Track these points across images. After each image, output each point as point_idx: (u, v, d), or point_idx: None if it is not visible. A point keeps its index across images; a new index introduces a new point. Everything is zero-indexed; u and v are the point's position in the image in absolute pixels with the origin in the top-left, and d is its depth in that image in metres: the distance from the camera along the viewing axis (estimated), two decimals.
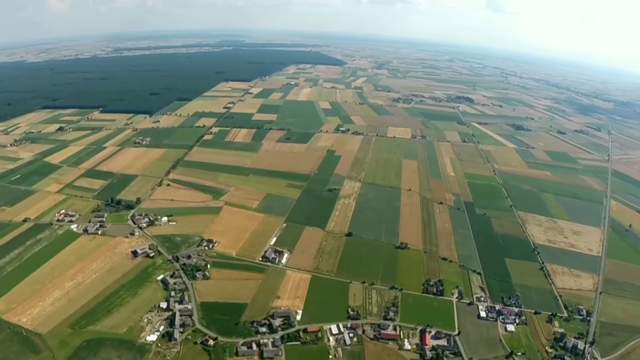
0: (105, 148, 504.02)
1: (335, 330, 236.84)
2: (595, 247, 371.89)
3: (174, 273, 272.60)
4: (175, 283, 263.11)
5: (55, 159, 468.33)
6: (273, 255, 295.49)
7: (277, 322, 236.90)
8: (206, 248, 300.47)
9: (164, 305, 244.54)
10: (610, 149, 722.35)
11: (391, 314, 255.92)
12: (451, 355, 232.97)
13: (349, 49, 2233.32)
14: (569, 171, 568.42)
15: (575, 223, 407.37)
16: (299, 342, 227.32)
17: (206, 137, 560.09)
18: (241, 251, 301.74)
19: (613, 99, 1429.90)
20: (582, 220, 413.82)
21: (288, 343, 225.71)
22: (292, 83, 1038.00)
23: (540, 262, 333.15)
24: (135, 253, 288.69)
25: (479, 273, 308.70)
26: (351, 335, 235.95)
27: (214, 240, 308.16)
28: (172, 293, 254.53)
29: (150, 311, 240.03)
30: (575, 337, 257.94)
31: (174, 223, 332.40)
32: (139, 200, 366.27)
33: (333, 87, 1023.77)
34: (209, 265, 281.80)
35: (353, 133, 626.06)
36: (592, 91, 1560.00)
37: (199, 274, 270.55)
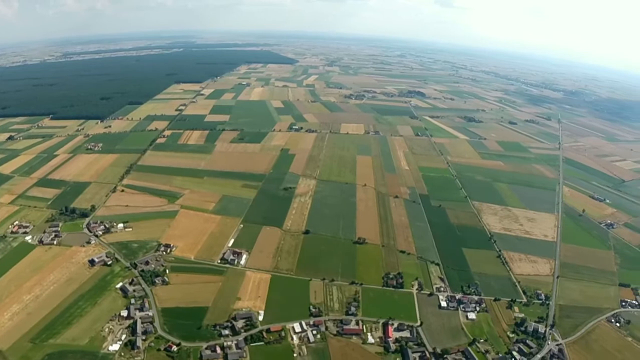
0: (57, 156, 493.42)
1: (298, 329, 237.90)
2: (550, 232, 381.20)
3: (132, 280, 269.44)
4: (134, 290, 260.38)
5: (6, 169, 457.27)
6: (232, 257, 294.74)
7: (239, 323, 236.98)
8: (164, 253, 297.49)
9: (124, 313, 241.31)
10: (560, 137, 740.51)
11: (353, 309, 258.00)
12: (415, 346, 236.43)
13: (300, 47, 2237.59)
14: (521, 160, 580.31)
15: (529, 210, 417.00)
16: (262, 343, 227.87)
17: (159, 140, 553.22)
18: (199, 254, 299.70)
19: (562, 88, 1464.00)
20: (536, 208, 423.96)
21: (252, 344, 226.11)
22: (244, 83, 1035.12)
23: (497, 250, 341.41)
24: (92, 262, 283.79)
25: (437, 264, 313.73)
26: (314, 332, 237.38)
27: (172, 245, 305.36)
28: (132, 300, 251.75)
29: (111, 320, 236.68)
30: (535, 321, 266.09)
31: (130, 229, 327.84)
32: (93, 208, 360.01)
33: (285, 86, 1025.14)
34: (167, 270, 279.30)
35: (306, 131, 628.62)
36: (542, 82, 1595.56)
37: (158, 280, 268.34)
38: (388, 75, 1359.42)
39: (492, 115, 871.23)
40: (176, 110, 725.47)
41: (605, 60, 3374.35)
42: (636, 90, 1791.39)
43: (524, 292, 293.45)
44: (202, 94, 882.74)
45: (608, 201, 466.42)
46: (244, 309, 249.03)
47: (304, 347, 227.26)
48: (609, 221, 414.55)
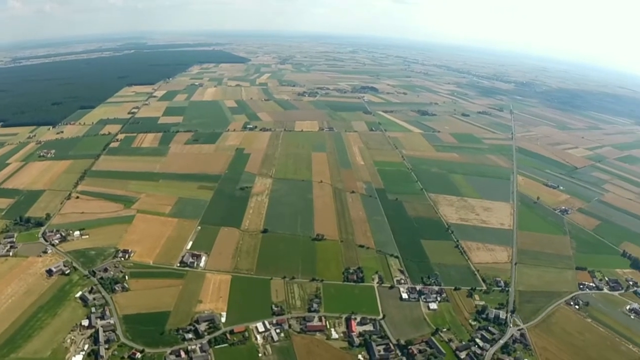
0: (8, 164, 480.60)
1: (261, 328, 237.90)
2: (506, 221, 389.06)
3: (92, 288, 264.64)
4: (94, 299, 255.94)
5: None
6: (191, 260, 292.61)
7: (202, 326, 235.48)
8: (122, 259, 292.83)
9: (85, 323, 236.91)
10: (513, 127, 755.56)
11: (315, 305, 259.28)
12: (379, 339, 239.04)
13: (252, 46, 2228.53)
14: (475, 151, 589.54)
15: (485, 200, 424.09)
16: (227, 344, 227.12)
17: (112, 144, 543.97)
18: (158, 258, 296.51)
19: (513, 80, 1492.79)
20: (491, 197, 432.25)
21: (216, 346, 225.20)
22: (197, 83, 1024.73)
23: (455, 240, 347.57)
24: (50, 272, 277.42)
25: (396, 257, 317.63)
26: (278, 331, 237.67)
27: (130, 250, 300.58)
28: (93, 309, 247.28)
29: (72, 331, 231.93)
30: (496, 308, 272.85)
31: (87, 236, 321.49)
32: (48, 216, 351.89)
33: (238, 85, 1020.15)
34: (127, 277, 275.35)
35: (261, 130, 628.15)
36: (493, 74, 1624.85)
37: (117, 287, 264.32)
38: (341, 72, 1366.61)
39: (445, 108, 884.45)
40: (129, 113, 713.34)
41: (553, 51, 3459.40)
42: (585, 80, 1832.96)
43: (484, 280, 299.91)
44: (154, 96, 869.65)
45: (562, 188, 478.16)
46: (206, 312, 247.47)
47: (268, 347, 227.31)
48: (564, 207, 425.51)
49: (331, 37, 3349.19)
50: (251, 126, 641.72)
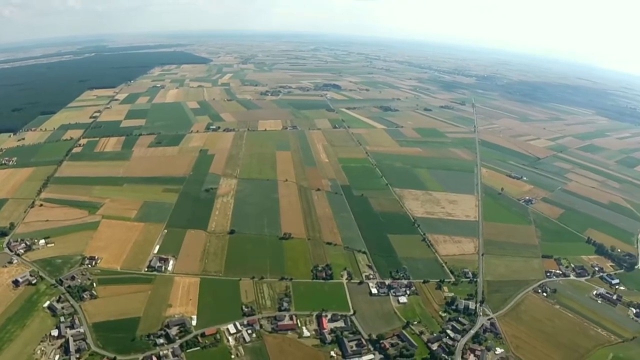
0: None
1: (232, 330, 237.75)
2: (471, 213, 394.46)
3: (60, 297, 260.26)
4: (63, 308, 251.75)
5: None
6: (159, 264, 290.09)
7: (173, 331, 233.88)
8: (89, 266, 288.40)
9: (55, 333, 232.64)
10: (475, 120, 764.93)
11: (285, 304, 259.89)
12: (350, 335, 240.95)
13: (214, 46, 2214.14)
14: (439, 145, 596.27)
15: (450, 193, 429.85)
16: (199, 348, 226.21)
17: (75, 150, 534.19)
18: (125, 264, 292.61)
19: (474, 74, 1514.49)
20: (456, 190, 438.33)
21: (188, 350, 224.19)
22: (158, 85, 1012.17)
23: (422, 233, 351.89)
24: (16, 282, 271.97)
25: (364, 252, 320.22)
26: (249, 331, 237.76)
27: (96, 257, 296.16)
28: (62, 318, 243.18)
29: (42, 342, 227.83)
30: (465, 299, 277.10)
31: (53, 245, 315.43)
32: (12, 226, 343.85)
33: (200, 86, 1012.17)
34: (94, 284, 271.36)
35: (224, 130, 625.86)
36: (454, 68, 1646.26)
37: (86, 295, 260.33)
38: (303, 70, 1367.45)
39: (407, 103, 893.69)
40: (91, 117, 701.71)
41: (513, 46, 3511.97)
42: (545, 73, 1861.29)
43: (452, 272, 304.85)
44: (116, 99, 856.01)
45: (525, 179, 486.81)
46: (176, 316, 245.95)
47: (240, 348, 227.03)
48: (528, 197, 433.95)
49: (293, 35, 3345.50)
50: (214, 127, 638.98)
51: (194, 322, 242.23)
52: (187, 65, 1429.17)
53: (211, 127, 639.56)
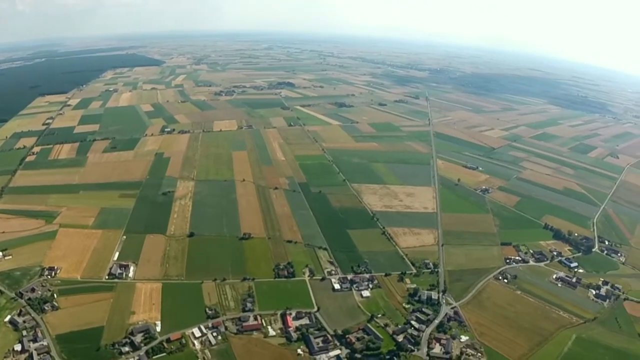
0: None
1: (197, 333, 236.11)
2: (429, 204, 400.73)
3: (20, 311, 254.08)
4: (25, 321, 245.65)
5: None
6: (119, 271, 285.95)
7: (138, 338, 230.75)
8: (49, 277, 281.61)
9: (18, 347, 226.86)
10: (429, 113, 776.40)
11: (249, 305, 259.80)
12: (316, 332, 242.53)
13: (167, 48, 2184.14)
14: (394, 139, 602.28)
15: (407, 186, 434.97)
16: (165, 353, 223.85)
17: (29, 158, 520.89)
18: (86, 273, 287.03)
19: (427, 67, 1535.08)
20: (413, 183, 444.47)
21: (154, 357, 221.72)
22: (111, 89, 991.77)
23: (381, 227, 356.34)
24: None
25: (325, 249, 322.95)
26: (215, 334, 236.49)
27: (56, 267, 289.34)
28: (24, 332, 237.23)
29: (5, 357, 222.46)
30: (427, 289, 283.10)
31: (10, 257, 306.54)
32: None
33: (153, 88, 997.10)
34: (55, 295, 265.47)
35: (179, 132, 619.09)
36: (407, 63, 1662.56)
37: (47, 306, 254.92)
38: (257, 69, 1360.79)
39: (362, 99, 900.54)
40: (43, 124, 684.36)
41: (465, 38, 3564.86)
42: (498, 64, 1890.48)
43: (413, 264, 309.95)
44: (68, 105, 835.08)
45: (481, 169, 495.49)
46: (140, 322, 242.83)
47: (207, 351, 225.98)
48: (484, 187, 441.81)
49: (246, 34, 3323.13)
50: (169, 129, 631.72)
51: (158, 328, 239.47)
52: (140, 67, 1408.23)
53: (166, 129, 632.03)
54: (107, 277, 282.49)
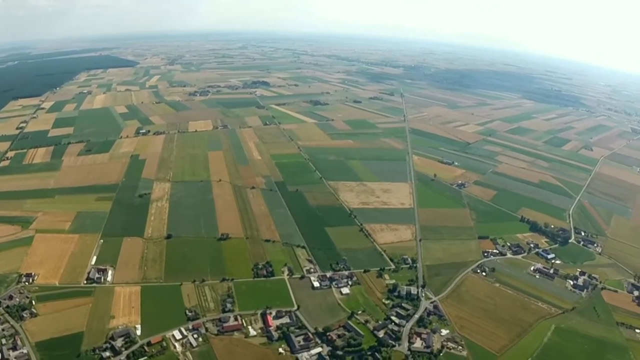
0: None
1: (178, 336, 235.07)
2: (406, 200, 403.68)
3: None
4: (3, 329, 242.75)
5: None
6: (97, 275, 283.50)
7: (118, 342, 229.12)
8: (27, 283, 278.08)
9: None
10: (405, 110, 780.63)
11: (229, 305, 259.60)
12: (297, 330, 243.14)
13: (140, 48, 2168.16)
14: (370, 136, 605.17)
15: (384, 182, 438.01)
16: (146, 357, 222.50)
17: (3, 163, 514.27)
18: (64, 278, 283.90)
19: (402, 64, 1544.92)
20: (390, 179, 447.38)
21: None
22: (85, 91, 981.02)
23: (359, 224, 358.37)
24: None
25: (303, 247, 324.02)
26: (195, 336, 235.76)
27: (33, 273, 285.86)
28: (3, 340, 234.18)
29: None
30: (407, 285, 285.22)
31: None
32: None
33: (127, 90, 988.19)
34: (34, 302, 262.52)
35: (154, 134, 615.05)
36: (382, 60, 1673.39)
37: (26, 314, 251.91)
38: (231, 68, 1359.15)
39: (337, 96, 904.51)
40: (17, 128, 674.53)
41: (439, 34, 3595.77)
42: (472, 60, 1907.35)
43: (391, 260, 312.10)
44: (42, 108, 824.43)
45: (456, 164, 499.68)
46: (120, 327, 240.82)
47: (188, 353, 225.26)
48: (460, 181, 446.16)
49: (220, 34, 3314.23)
50: (144, 131, 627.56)
51: (138, 332, 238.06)
52: (114, 69, 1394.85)
53: (141, 131, 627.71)
54: (85, 282, 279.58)
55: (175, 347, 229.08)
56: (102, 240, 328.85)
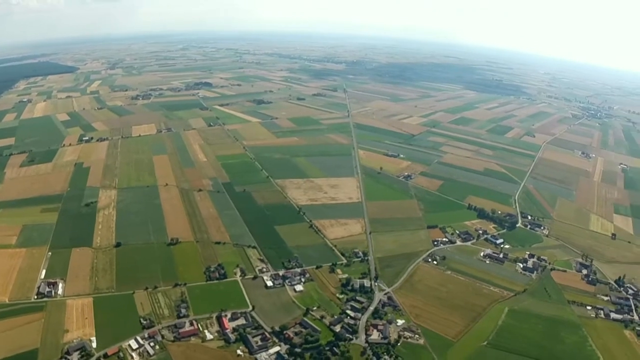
0: None
1: (135, 345, 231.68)
2: (354, 195, 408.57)
3: None
4: None
5: None
6: (48, 289, 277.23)
7: (74, 357, 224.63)
8: None
9: None
10: (348, 105, 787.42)
11: (183, 310, 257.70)
12: (253, 331, 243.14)
13: (80, 53, 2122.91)
14: (315, 133, 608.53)
15: (331, 178, 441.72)
16: None
17: None
18: (13, 295, 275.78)
19: (343, 60, 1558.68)
20: (336, 174, 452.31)
21: None
22: (25, 100, 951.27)
23: (308, 221, 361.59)
24: None
25: (254, 247, 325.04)
26: (152, 344, 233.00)
27: None
28: None
29: None
30: (360, 278, 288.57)
31: None
32: None
33: (68, 97, 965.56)
34: None
35: (97, 140, 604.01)
36: (324, 56, 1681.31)
37: None
38: (173, 70, 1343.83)
39: (280, 94, 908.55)
40: None
41: (380, 29, 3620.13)
42: (413, 53, 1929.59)
43: (343, 254, 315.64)
44: None
45: (402, 156, 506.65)
46: (75, 340, 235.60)
47: None
48: (407, 173, 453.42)
49: (160, 36, 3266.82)
50: (87, 138, 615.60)
51: (94, 344, 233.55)
52: (54, 75, 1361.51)
53: (84, 138, 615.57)
54: (36, 297, 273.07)
55: (132, 356, 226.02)
56: (50, 253, 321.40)
